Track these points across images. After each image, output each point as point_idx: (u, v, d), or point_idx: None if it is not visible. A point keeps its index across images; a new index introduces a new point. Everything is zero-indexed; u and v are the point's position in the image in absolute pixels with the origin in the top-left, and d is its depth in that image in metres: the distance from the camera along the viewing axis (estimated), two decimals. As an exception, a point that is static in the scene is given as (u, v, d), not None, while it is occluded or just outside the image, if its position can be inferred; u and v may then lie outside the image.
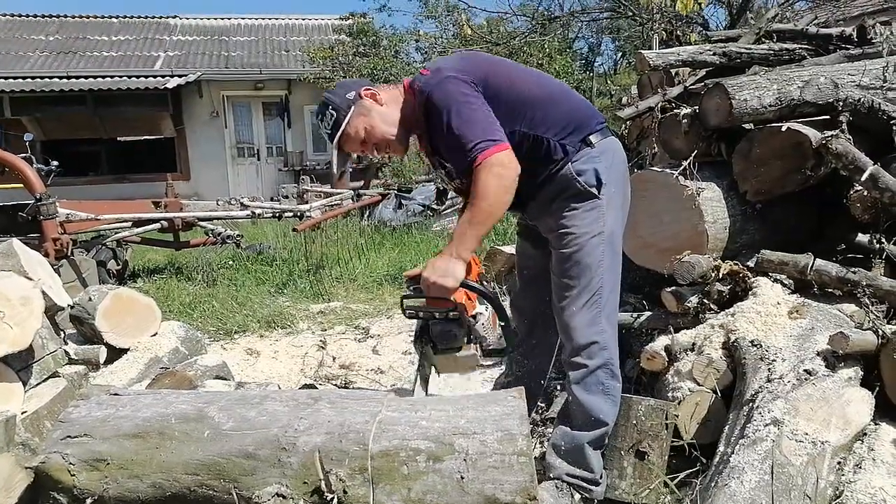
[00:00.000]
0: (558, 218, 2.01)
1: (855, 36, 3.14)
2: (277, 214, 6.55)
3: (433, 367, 1.95)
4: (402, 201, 8.72)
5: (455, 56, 2.17)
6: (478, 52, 2.21)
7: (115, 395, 1.79)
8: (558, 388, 2.70)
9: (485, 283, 2.08)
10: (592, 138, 2.01)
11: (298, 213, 6.47)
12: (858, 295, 2.23)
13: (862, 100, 2.46)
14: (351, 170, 10.73)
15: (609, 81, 15.57)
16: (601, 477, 1.97)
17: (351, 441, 1.44)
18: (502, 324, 1.97)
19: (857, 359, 2.00)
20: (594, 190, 1.98)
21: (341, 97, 2.02)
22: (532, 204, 2.10)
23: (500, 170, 1.80)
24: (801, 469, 1.68)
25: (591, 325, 1.97)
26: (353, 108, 2.00)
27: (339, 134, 1.99)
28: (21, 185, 5.06)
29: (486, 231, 1.91)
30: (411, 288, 1.90)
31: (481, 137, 1.81)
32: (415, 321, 1.93)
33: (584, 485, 1.94)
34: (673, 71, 3.24)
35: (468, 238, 1.82)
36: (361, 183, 9.15)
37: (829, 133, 2.32)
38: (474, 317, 1.95)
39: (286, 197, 9.25)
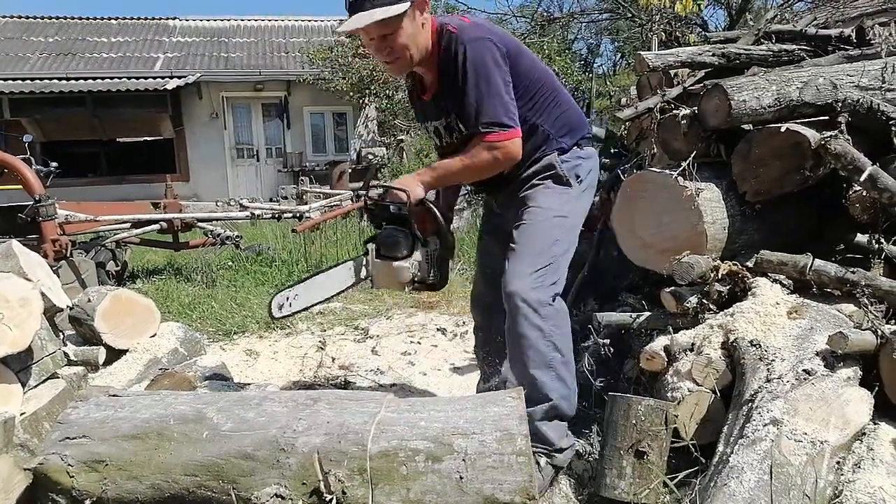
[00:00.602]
0: (530, 195, 2.12)
1: (854, 37, 3.14)
2: (277, 215, 6.54)
3: (370, 274, 2.12)
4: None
5: (491, 23, 2.22)
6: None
7: (114, 396, 1.79)
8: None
9: (447, 222, 2.23)
10: (582, 143, 2.17)
11: (298, 214, 6.46)
12: (857, 295, 2.23)
13: (861, 100, 2.46)
14: (350, 171, 10.74)
15: (608, 82, 15.57)
16: (565, 445, 2.08)
17: (350, 442, 1.44)
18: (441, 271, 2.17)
19: (856, 359, 1.99)
20: (571, 181, 2.12)
21: None
22: (509, 188, 2.17)
23: (500, 156, 1.95)
24: (800, 469, 1.67)
25: (536, 288, 2.01)
26: (407, 3, 1.88)
27: (383, 14, 1.84)
28: (20, 187, 5.07)
29: (452, 181, 2.20)
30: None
31: (500, 118, 1.92)
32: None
33: (546, 452, 2.02)
34: (672, 72, 3.24)
35: (438, 177, 2.06)
36: (361, 184, 9.14)
37: (828, 133, 2.32)
38: (423, 240, 2.09)
39: (285, 198, 9.26)
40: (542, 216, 2.08)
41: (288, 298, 2.02)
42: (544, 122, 2.08)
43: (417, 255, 2.07)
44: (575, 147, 2.15)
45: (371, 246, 2.09)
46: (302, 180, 9.54)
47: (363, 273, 2.14)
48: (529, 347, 2.00)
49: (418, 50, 1.98)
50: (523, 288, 2.00)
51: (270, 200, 11.37)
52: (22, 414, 2.41)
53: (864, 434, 1.86)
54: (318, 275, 2.11)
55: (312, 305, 2.11)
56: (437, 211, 2.12)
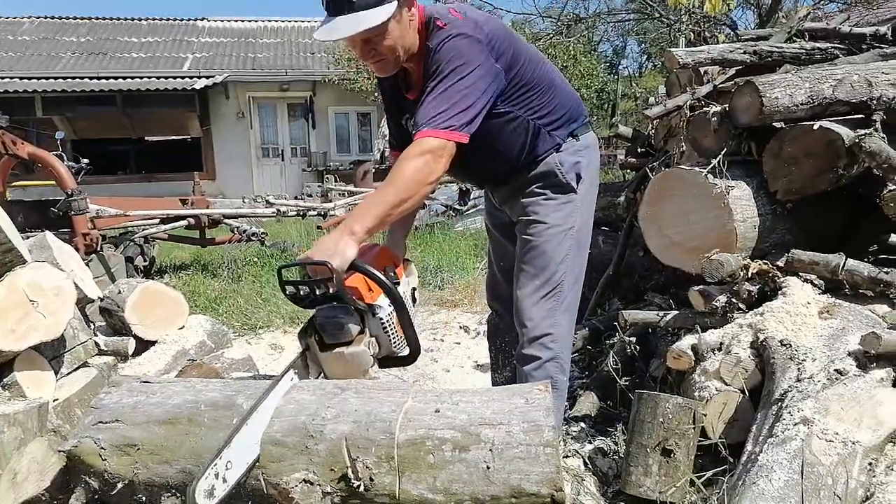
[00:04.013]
0: (531, 204, 2.02)
1: (890, 35, 3.08)
2: (302, 213, 6.61)
3: (320, 370, 1.69)
4: (425, 201, 8.73)
5: (487, 16, 2.00)
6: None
7: (146, 382, 1.82)
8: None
9: (395, 281, 1.75)
10: (578, 132, 2.04)
11: (322, 212, 6.52)
12: (891, 296, 2.20)
13: (896, 98, 2.42)
14: (374, 170, 10.78)
15: (634, 84, 15.47)
16: None
17: (377, 430, 1.45)
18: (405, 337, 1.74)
19: (890, 360, 1.96)
20: (573, 184, 2.01)
21: None
22: (506, 187, 2.09)
23: (431, 159, 1.66)
24: (831, 469, 1.65)
25: (547, 317, 1.99)
26: (394, 3, 1.72)
27: (369, 24, 1.69)
28: (52, 183, 5.17)
29: (391, 218, 1.69)
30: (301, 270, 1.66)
31: (443, 115, 1.68)
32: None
33: None
34: (702, 70, 3.21)
35: (368, 216, 1.63)
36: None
37: (863, 131, 2.29)
38: (371, 308, 1.67)
39: (310, 195, 9.34)
40: (549, 234, 1.99)
41: (218, 475, 1.39)
42: (535, 116, 1.94)
43: (372, 329, 1.68)
44: (570, 138, 2.01)
45: (311, 339, 1.67)
46: (327, 178, 9.61)
47: (312, 375, 1.71)
48: (537, 368, 1.99)
49: (405, 50, 1.83)
50: (535, 315, 1.99)
51: (295, 199, 11.46)
52: (55, 400, 2.46)
53: (898, 436, 1.83)
54: (248, 417, 1.49)
55: (256, 462, 1.46)
56: (373, 270, 1.67)
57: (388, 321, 1.71)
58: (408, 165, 1.66)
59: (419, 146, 1.67)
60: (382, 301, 1.71)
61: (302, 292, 1.64)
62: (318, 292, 1.60)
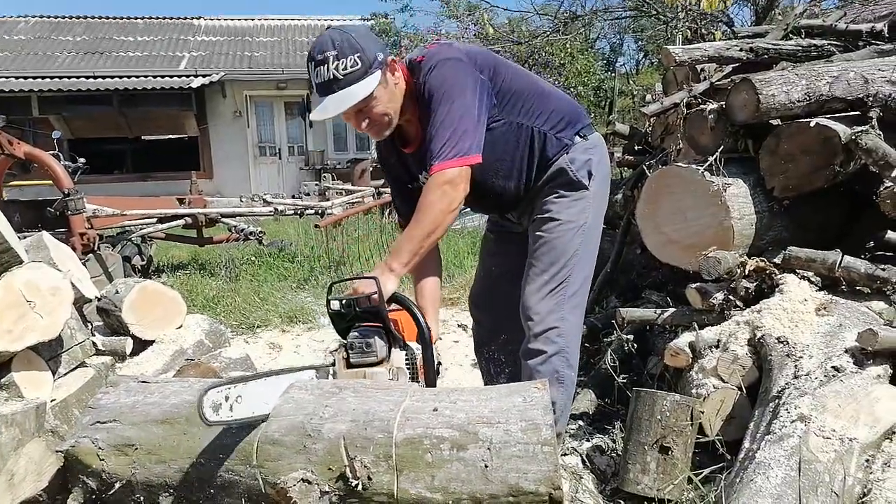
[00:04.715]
0: (545, 203, 2.05)
1: (886, 32, 3.09)
2: (299, 211, 6.60)
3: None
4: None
5: (462, 43, 2.11)
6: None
7: (144, 382, 1.82)
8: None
9: (429, 329, 1.86)
10: (585, 131, 2.07)
11: (320, 210, 6.52)
12: (888, 292, 2.20)
13: (893, 95, 2.42)
14: (372, 168, 10.78)
15: (631, 81, 15.47)
16: None
17: (375, 429, 1.45)
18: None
19: (887, 356, 1.96)
20: (585, 181, 2.04)
21: (371, 52, 1.78)
22: (522, 202, 2.11)
23: (449, 189, 1.76)
24: (828, 466, 1.65)
25: (554, 311, 2.00)
26: (377, 72, 1.79)
27: (357, 98, 1.77)
28: (48, 183, 5.16)
29: (423, 249, 1.81)
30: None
31: (451, 143, 1.76)
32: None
33: None
34: (699, 67, 3.21)
35: (403, 253, 1.78)
36: (382, 181, 9.17)
37: (859, 128, 2.29)
38: (404, 346, 1.79)
39: (307, 194, 9.33)
40: (562, 230, 2.01)
41: (228, 398, 1.49)
42: (538, 123, 1.99)
43: (397, 360, 1.76)
44: (578, 138, 2.05)
45: (338, 354, 1.75)
46: (324, 177, 9.61)
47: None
48: (543, 363, 1.99)
49: (396, 111, 1.88)
50: (541, 309, 1.99)
51: (293, 198, 11.45)
52: (52, 401, 2.46)
53: (895, 433, 1.83)
54: (270, 376, 1.60)
55: (257, 419, 1.52)
56: (411, 303, 1.85)
57: (412, 359, 1.80)
58: (429, 200, 1.77)
59: (435, 181, 1.76)
60: (412, 344, 1.82)
61: (344, 307, 1.75)
62: (360, 308, 1.72)
